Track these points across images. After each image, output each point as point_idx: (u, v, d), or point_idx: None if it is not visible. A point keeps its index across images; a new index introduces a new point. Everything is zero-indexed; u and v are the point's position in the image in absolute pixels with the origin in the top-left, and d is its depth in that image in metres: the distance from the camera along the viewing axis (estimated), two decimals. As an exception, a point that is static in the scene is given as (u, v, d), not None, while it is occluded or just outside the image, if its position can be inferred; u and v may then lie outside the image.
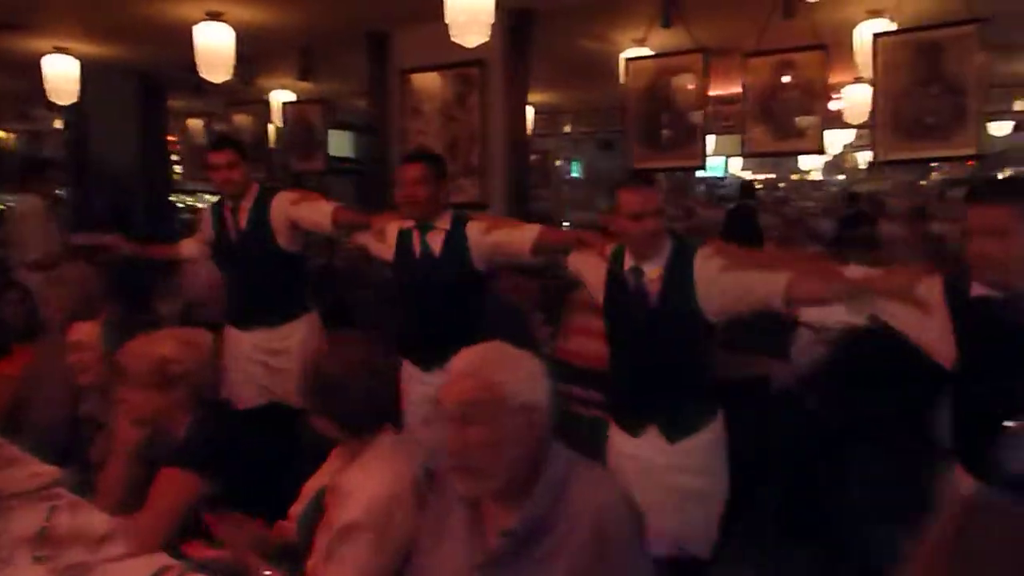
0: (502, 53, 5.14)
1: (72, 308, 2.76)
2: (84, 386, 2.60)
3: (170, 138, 8.50)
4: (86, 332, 2.55)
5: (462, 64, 5.27)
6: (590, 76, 7.67)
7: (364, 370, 1.81)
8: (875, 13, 5.10)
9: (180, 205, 9.65)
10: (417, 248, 3.01)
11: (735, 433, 2.44)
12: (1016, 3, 4.71)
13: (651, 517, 2.24)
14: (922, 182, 11.88)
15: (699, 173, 11.95)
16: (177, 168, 9.18)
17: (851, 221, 6.52)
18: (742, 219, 7.56)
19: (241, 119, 7.45)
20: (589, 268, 2.64)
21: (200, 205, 9.03)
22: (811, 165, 14.23)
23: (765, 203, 10.52)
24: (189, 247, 3.78)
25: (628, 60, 5.50)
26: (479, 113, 5.38)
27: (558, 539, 1.45)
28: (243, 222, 3.46)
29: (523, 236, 2.84)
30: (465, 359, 1.55)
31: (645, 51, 5.64)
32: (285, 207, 3.42)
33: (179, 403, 2.07)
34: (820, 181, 14.22)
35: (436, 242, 2.98)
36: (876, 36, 4.64)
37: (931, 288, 2.04)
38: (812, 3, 4.72)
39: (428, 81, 5.61)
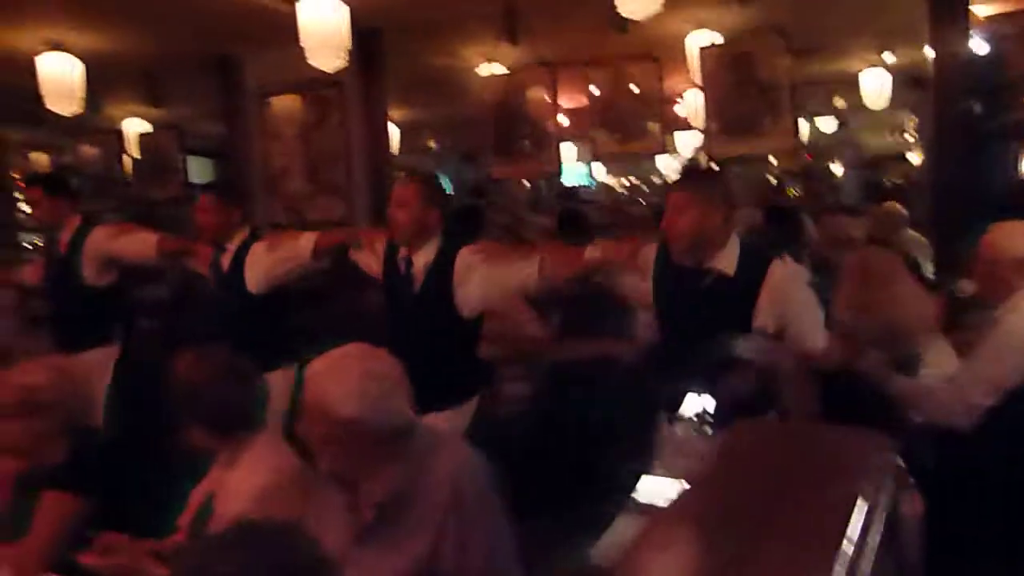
0: (356, 73, 5.27)
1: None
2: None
3: (14, 174, 8.05)
4: None
5: (319, 86, 5.36)
6: (447, 92, 7.90)
7: (227, 376, 1.93)
8: (702, 24, 5.59)
9: (29, 246, 9.10)
10: (214, 269, 3.35)
11: (585, 411, 2.65)
12: (818, 10, 5.30)
13: None
14: (770, 177, 12.84)
15: (566, 181, 12.48)
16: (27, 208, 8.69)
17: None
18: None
19: (88, 150, 7.20)
20: (368, 262, 2.96)
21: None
22: (669, 166, 15.09)
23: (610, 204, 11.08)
24: (27, 273, 4.06)
25: (480, 76, 5.76)
26: (340, 133, 5.48)
27: (423, 505, 1.65)
28: (62, 254, 3.74)
29: (302, 244, 3.11)
30: (316, 361, 1.71)
31: (496, 67, 5.92)
32: (100, 242, 3.67)
33: (51, 430, 2.09)
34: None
35: (225, 262, 3.30)
36: (701, 48, 5.12)
37: (646, 256, 2.47)
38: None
39: (286, 104, 5.66)
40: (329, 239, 3.16)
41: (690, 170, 2.67)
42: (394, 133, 7.60)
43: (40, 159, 7.93)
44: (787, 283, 2.29)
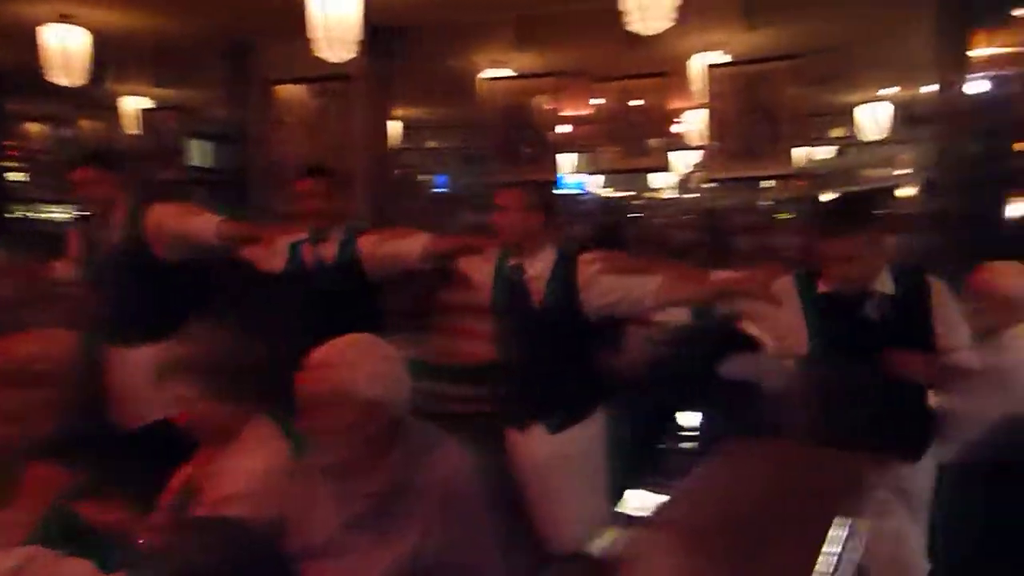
0: (366, 68, 5.29)
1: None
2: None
3: (7, 143, 7.99)
4: None
5: (327, 78, 5.37)
6: (454, 93, 7.93)
7: (239, 353, 1.94)
8: (711, 46, 5.65)
9: (23, 216, 8.98)
10: (310, 259, 3.07)
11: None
12: (826, 41, 5.37)
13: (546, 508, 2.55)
14: (760, 202, 12.95)
15: (561, 191, 12.56)
16: (17, 176, 8.63)
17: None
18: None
19: (89, 124, 7.17)
20: (475, 269, 2.80)
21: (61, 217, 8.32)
22: (663, 183, 15.17)
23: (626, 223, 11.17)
24: (63, 268, 3.46)
25: (487, 80, 5.79)
26: (344, 126, 5.50)
27: (415, 501, 1.66)
28: (116, 236, 3.24)
29: (412, 244, 2.95)
30: (323, 351, 1.71)
31: (504, 71, 5.95)
32: (161, 221, 3.22)
33: (45, 401, 2.08)
34: (672, 199, 15.18)
35: (329, 253, 3.05)
36: (709, 67, 5.17)
37: (783, 285, 2.36)
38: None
39: (293, 93, 5.67)
40: (443, 244, 2.97)
41: (847, 204, 2.60)
42: (397, 130, 7.62)
43: (38, 130, 7.89)
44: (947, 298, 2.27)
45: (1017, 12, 5.70)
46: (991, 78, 5.13)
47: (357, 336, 1.75)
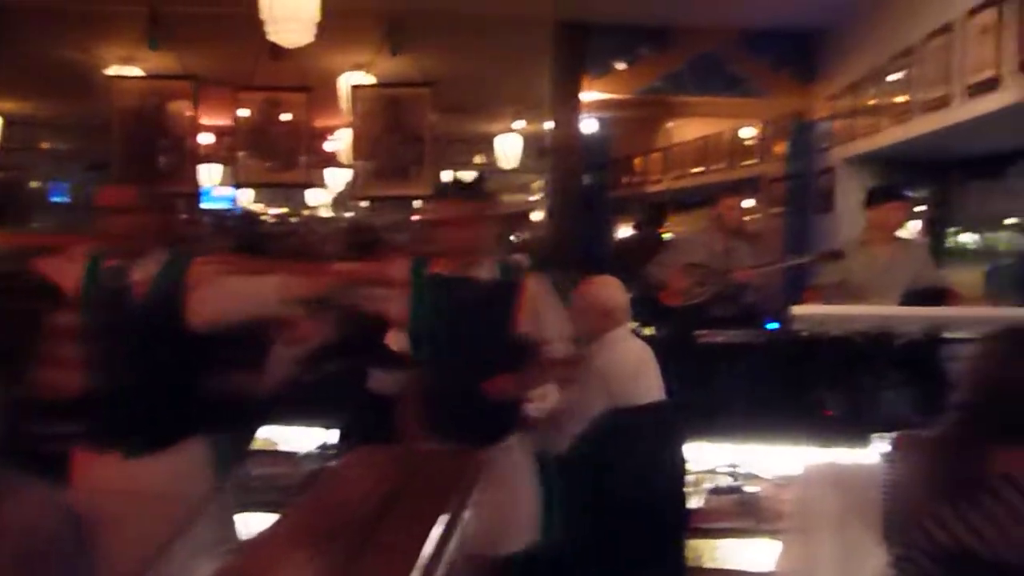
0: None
1: None
2: None
3: None
4: None
5: None
6: (75, 89, 7.05)
7: None
8: (357, 66, 5.74)
9: None
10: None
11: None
12: (462, 72, 5.78)
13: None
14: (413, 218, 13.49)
15: (206, 205, 11.78)
16: None
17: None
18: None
19: None
20: (61, 272, 2.40)
21: None
22: (320, 201, 15.01)
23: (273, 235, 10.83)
24: None
25: (113, 78, 5.25)
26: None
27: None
28: None
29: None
30: None
31: (134, 70, 5.44)
32: None
33: None
34: (329, 217, 15.12)
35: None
36: (353, 87, 5.26)
37: (399, 268, 2.49)
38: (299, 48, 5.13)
39: None
40: (18, 240, 2.56)
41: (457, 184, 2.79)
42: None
43: None
44: None
45: (619, 65, 6.71)
46: (596, 119, 5.97)
47: None
